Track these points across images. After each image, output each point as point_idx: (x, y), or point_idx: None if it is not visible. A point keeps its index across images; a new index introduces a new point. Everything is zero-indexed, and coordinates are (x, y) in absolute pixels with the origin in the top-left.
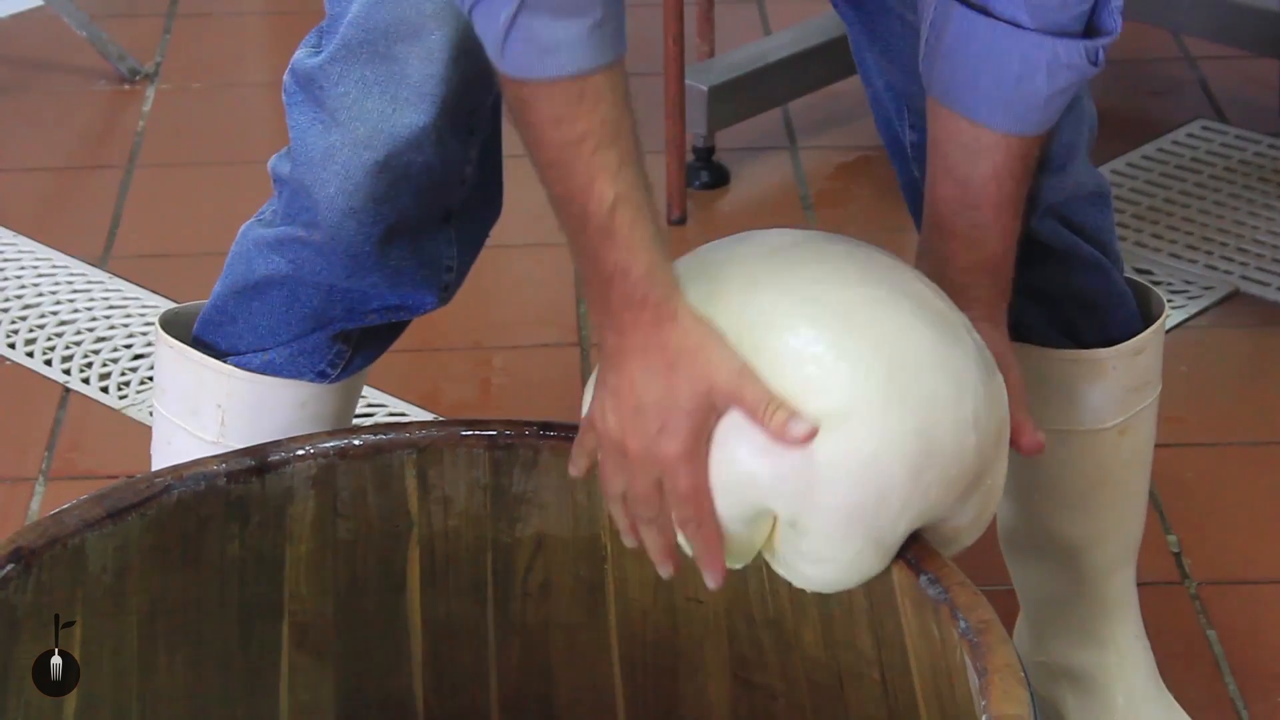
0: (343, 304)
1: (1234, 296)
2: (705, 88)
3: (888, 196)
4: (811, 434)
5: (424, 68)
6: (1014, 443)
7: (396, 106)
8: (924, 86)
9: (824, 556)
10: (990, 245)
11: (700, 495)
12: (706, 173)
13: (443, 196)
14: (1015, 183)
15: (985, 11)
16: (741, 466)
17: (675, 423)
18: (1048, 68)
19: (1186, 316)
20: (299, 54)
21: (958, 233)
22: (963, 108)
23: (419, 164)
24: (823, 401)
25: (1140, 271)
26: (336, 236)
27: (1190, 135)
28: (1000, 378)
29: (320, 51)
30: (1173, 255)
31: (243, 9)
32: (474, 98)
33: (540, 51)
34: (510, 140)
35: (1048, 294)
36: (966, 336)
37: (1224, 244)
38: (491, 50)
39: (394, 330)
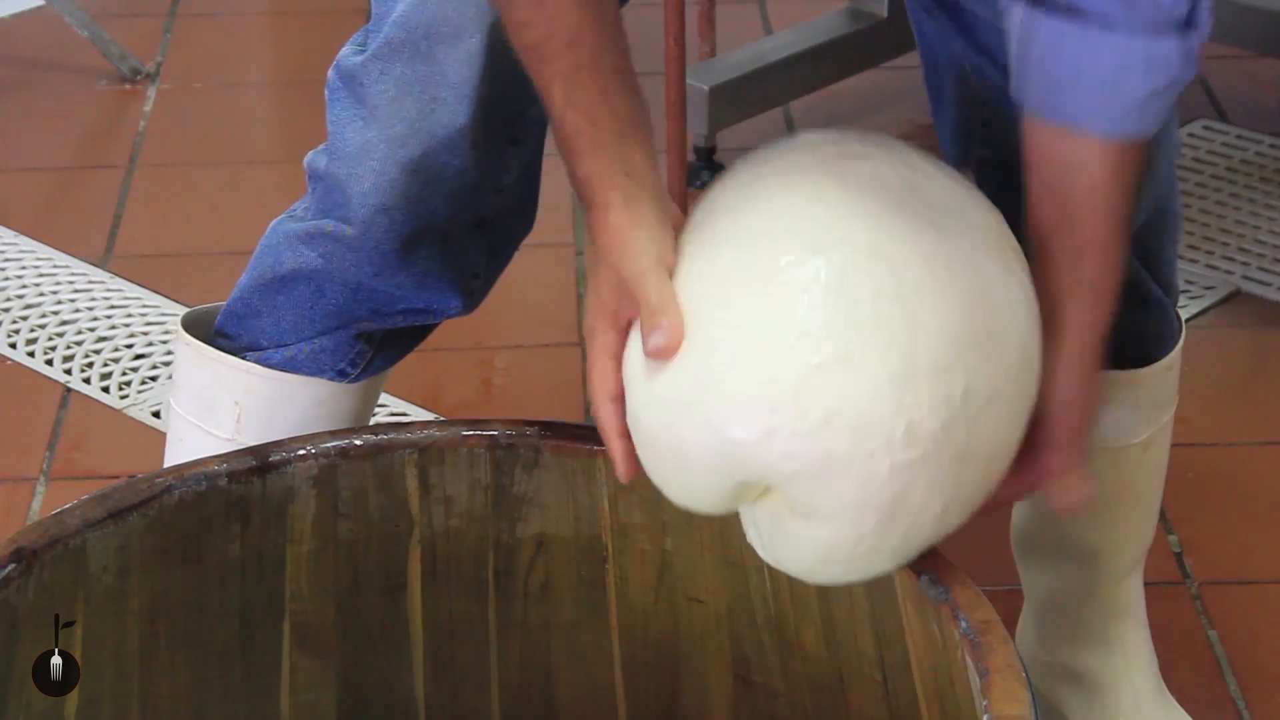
0: (368, 304)
1: (1235, 296)
2: (706, 88)
3: None
4: (665, 350)
5: (463, 70)
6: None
7: (435, 106)
8: (1019, 104)
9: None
10: (1088, 266)
11: (596, 397)
12: (708, 173)
13: (477, 203)
14: (1118, 197)
15: (1073, 11)
16: (720, 434)
17: (595, 314)
18: (1142, 67)
19: (1188, 316)
20: (344, 51)
21: (1055, 253)
22: (1059, 114)
23: (454, 168)
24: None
25: None
26: (367, 233)
27: (1191, 135)
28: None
29: (365, 50)
30: None
31: (244, 9)
32: (513, 105)
33: None
34: None
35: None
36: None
37: (1225, 244)
38: None
39: (417, 335)
